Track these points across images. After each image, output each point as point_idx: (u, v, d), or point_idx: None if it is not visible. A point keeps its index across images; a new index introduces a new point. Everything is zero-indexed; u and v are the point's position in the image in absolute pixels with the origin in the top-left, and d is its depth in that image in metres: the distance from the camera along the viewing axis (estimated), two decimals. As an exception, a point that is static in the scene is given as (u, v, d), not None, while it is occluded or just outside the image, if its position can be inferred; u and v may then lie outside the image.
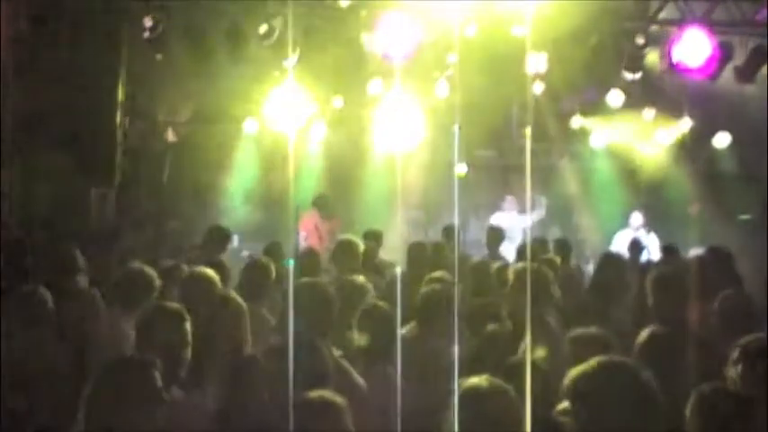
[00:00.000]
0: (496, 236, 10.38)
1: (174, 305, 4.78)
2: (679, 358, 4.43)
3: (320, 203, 12.50)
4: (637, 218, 12.33)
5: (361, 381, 4.78)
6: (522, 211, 12.61)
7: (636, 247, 10.66)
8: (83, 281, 6.59)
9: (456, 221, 12.63)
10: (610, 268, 7.26)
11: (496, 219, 12.52)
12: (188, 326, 4.54)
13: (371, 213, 14.33)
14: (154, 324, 4.54)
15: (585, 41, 11.33)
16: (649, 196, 13.84)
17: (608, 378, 3.40)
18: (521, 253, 9.13)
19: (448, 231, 9.98)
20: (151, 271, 6.06)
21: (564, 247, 9.44)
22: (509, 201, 13.08)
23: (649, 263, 9.73)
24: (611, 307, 6.36)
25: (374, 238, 9.51)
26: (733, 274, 7.42)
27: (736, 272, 7.54)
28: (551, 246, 9.60)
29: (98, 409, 3.71)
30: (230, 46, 11.03)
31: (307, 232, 12.01)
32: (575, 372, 3.48)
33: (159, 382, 3.78)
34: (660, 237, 12.19)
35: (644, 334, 4.75)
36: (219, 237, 8.96)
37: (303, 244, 11.22)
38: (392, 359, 4.88)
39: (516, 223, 12.44)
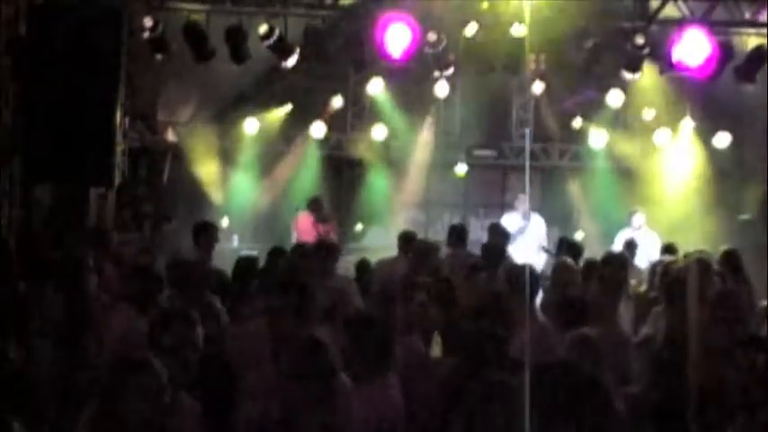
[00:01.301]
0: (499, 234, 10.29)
1: (186, 309, 4.81)
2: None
3: (314, 206, 12.52)
4: (638, 218, 12.30)
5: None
6: (527, 213, 12.40)
7: (630, 247, 10.64)
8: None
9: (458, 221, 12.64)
10: (612, 267, 7.26)
11: (507, 219, 12.35)
12: (199, 330, 4.54)
13: (371, 213, 14.35)
14: (165, 326, 4.55)
15: (585, 41, 11.33)
16: (649, 196, 13.82)
17: (557, 377, 3.42)
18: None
19: (455, 231, 9.92)
20: (158, 269, 6.11)
21: (574, 247, 9.44)
22: (522, 199, 12.70)
23: (651, 263, 9.70)
24: (612, 306, 6.36)
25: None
26: (741, 275, 7.47)
27: (744, 273, 7.58)
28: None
29: (103, 408, 3.73)
30: (230, 46, 11.03)
31: (300, 233, 12.02)
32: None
33: (163, 383, 3.79)
34: (660, 237, 12.19)
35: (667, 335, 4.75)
36: (207, 233, 8.95)
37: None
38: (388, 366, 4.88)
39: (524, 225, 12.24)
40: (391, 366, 4.83)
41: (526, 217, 12.28)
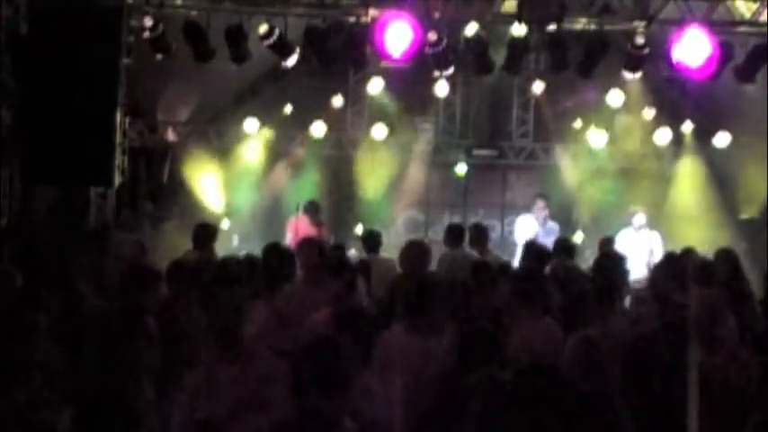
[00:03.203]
0: (482, 233, 10.29)
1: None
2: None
3: (311, 209, 12.55)
4: (639, 218, 12.28)
5: None
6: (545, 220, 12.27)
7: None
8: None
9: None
10: (611, 267, 7.28)
11: (522, 222, 12.29)
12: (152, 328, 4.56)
13: (371, 213, 14.34)
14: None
15: (586, 41, 11.33)
16: (649, 196, 13.81)
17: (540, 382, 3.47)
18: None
19: (452, 230, 9.93)
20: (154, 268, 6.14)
21: (567, 247, 9.45)
22: (539, 205, 12.32)
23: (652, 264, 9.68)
24: (610, 306, 6.38)
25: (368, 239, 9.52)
26: (740, 274, 7.48)
27: (742, 272, 7.59)
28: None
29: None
30: (230, 46, 11.03)
31: (293, 234, 12.02)
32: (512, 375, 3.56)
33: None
34: (661, 237, 12.22)
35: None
36: (205, 234, 8.94)
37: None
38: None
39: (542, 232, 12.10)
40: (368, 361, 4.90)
41: (542, 224, 12.18)
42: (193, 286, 6.09)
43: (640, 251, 10.95)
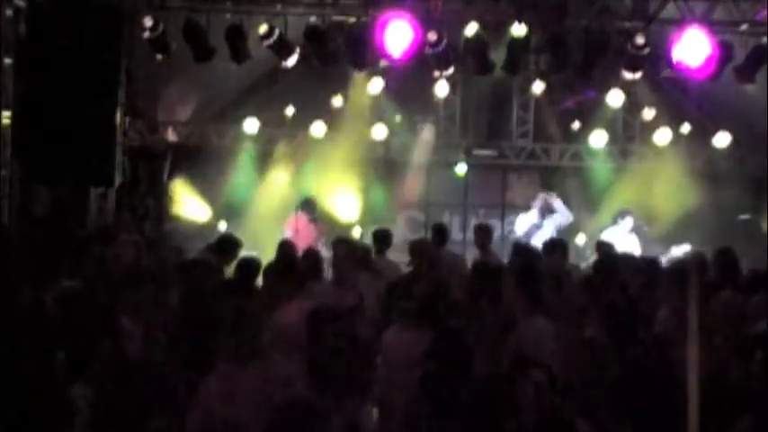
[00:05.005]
0: (485, 234, 10.31)
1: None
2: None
3: (308, 207, 12.56)
4: (628, 221, 12.18)
5: None
6: (544, 213, 12.26)
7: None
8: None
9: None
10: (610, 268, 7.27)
11: (524, 218, 12.34)
12: None
13: (371, 213, 14.34)
14: None
15: (586, 41, 11.34)
16: (649, 196, 13.81)
17: None
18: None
19: (438, 230, 9.99)
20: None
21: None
22: (540, 198, 12.35)
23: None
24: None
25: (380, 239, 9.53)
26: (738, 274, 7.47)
27: (740, 271, 7.58)
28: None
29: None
30: (230, 46, 11.04)
31: (292, 233, 12.04)
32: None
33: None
34: (660, 237, 12.21)
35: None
36: (229, 245, 8.96)
37: None
38: None
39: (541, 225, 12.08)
40: None
41: (544, 215, 12.17)
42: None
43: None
